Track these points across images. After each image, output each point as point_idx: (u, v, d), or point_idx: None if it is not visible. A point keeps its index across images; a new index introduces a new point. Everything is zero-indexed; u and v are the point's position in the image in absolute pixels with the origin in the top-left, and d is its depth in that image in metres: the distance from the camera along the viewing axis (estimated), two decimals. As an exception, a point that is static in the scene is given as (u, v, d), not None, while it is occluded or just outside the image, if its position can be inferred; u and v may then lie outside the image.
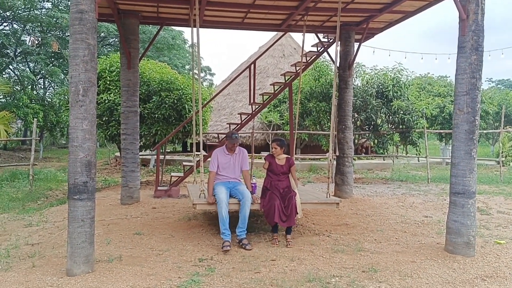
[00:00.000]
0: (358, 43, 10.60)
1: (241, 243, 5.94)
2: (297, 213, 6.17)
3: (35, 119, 13.49)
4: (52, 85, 30.12)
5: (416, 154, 17.44)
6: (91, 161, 4.85)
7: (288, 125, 15.55)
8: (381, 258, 5.43)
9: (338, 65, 10.43)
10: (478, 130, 5.69)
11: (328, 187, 6.90)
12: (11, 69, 26.87)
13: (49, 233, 6.79)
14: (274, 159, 6.47)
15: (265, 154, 7.11)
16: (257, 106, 11.01)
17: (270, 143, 7.20)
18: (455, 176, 5.70)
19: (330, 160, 7.07)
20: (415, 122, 15.39)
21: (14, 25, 25.78)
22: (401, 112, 15.18)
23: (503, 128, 15.47)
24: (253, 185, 6.64)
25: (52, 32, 25.75)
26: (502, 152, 15.32)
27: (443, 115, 21.33)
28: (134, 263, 5.18)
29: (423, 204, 9.57)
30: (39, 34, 25.88)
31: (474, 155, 5.61)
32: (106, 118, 12.78)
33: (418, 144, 16.28)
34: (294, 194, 6.24)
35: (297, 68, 10.40)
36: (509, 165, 17.91)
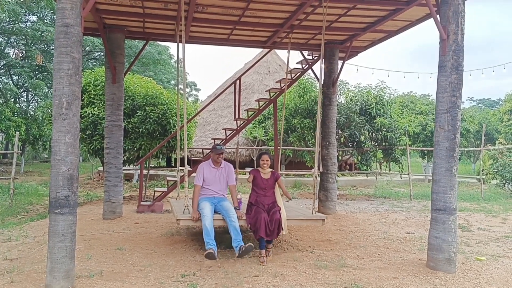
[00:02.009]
0: (342, 61, 10.77)
1: (241, 251, 5.69)
2: (282, 229, 6.08)
3: (17, 133, 13.32)
4: (36, 98, 29.86)
5: (399, 171, 17.61)
6: (73, 175, 4.81)
7: (273, 141, 15.60)
8: (363, 274, 5.45)
9: (322, 82, 10.58)
10: (459, 147, 5.79)
11: (313, 204, 6.84)
12: (-6, 82, 26.60)
13: (29, 248, 6.67)
14: (259, 173, 6.38)
15: (250, 169, 7.05)
16: (242, 122, 11.06)
17: (255, 158, 7.21)
18: (436, 193, 5.78)
19: (316, 177, 7.00)
20: (397, 139, 15.57)
21: (-2, 38, 25.63)
22: (384, 129, 15.36)
23: (484, 146, 15.75)
24: (239, 200, 6.54)
25: (36, 45, 25.59)
26: (483, 170, 15.57)
27: (425, 132, 21.69)
28: (115, 278, 5.11)
29: (406, 221, 9.64)
30: (23, 47, 25.71)
31: (454, 172, 5.69)
32: (90, 132, 12.69)
33: (400, 161, 16.43)
34: (278, 209, 6.17)
35: (282, 84, 10.50)
36: (489, 182, 18.19)
